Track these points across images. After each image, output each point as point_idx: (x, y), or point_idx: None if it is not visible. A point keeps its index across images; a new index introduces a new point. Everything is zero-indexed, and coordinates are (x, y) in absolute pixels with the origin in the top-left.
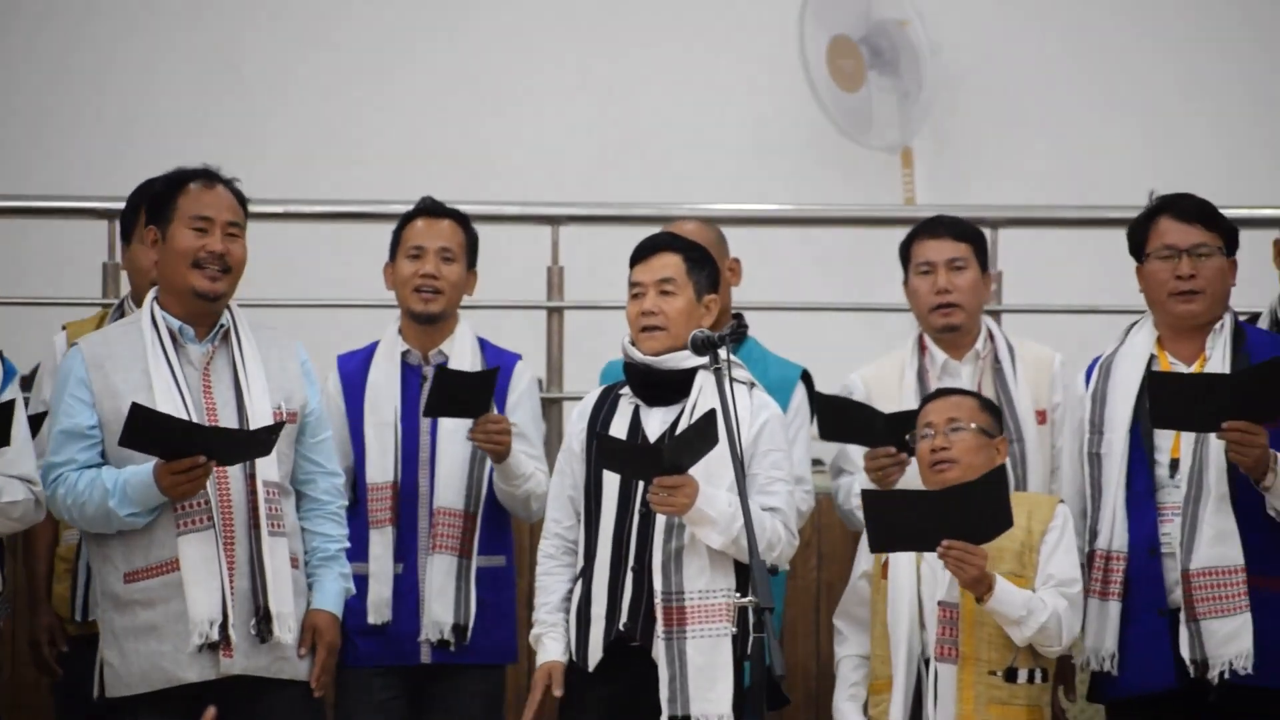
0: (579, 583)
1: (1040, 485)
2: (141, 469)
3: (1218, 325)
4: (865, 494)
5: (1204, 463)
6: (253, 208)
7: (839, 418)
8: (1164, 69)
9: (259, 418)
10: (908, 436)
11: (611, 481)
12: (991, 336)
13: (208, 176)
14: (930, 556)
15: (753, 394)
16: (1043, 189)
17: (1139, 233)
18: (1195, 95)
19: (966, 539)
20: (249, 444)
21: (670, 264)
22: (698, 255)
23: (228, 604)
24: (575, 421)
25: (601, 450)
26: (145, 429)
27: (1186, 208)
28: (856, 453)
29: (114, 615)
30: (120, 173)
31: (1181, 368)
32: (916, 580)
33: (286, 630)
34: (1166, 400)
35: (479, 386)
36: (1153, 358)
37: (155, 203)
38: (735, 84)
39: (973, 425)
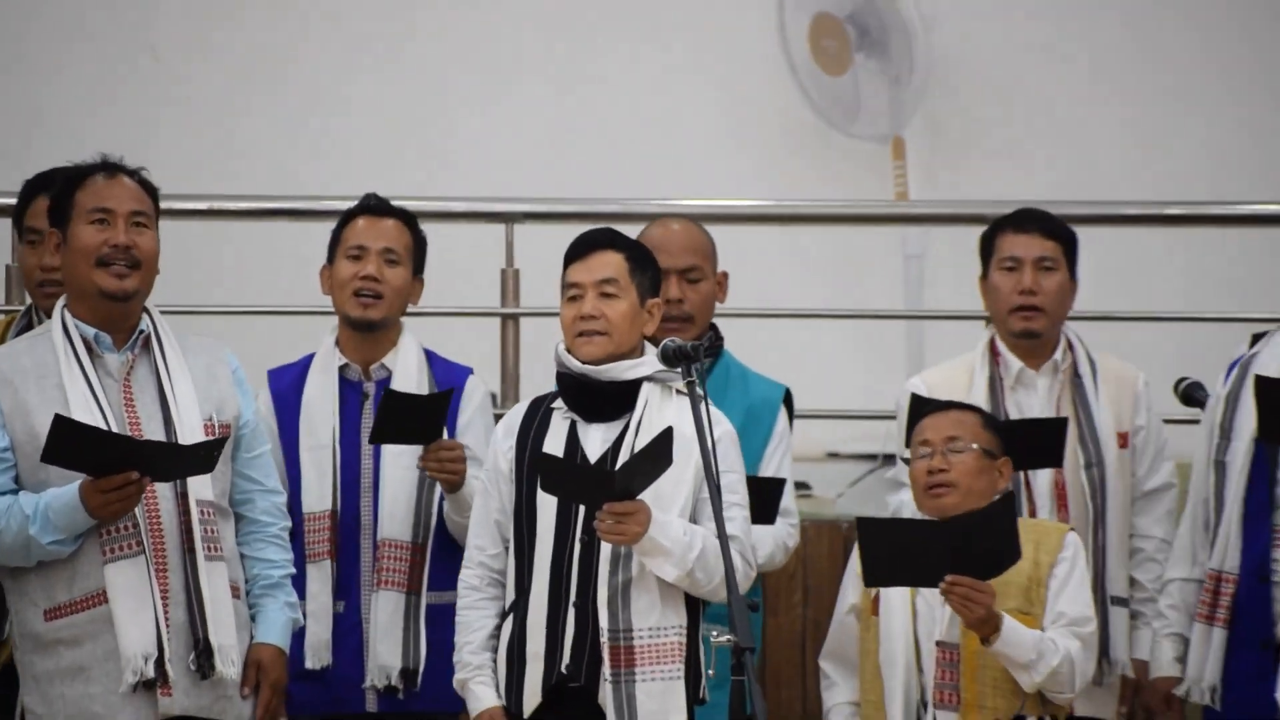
0: (509, 619)
1: (1120, 517)
2: (64, 490)
3: None
4: (861, 521)
5: None
6: (171, 204)
7: None
8: (1178, 42)
9: (188, 431)
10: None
11: (547, 506)
12: (1071, 347)
13: (108, 168)
14: (926, 590)
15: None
16: (1046, 182)
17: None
18: (1212, 81)
19: (972, 573)
20: (188, 459)
21: (611, 263)
22: (640, 255)
23: (163, 637)
24: (502, 439)
25: (542, 472)
26: (70, 443)
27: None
28: None
29: (35, 658)
30: (24, 167)
31: None
32: (912, 617)
33: (229, 664)
34: (1274, 407)
35: (430, 411)
36: None
37: (54, 203)
38: (708, 68)
39: (974, 445)
